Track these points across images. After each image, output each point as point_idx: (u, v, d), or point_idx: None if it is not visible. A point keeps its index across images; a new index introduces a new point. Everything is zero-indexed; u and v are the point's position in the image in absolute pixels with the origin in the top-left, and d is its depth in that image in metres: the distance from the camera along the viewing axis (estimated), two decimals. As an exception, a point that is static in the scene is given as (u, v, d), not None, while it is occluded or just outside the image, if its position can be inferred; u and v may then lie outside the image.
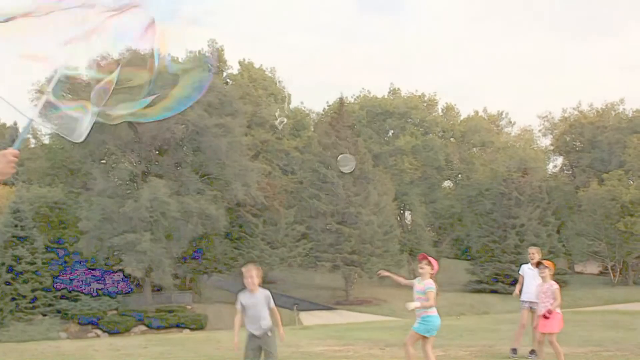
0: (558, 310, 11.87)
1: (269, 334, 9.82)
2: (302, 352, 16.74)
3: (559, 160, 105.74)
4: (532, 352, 13.05)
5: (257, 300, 9.83)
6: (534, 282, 12.85)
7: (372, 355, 15.72)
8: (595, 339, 17.48)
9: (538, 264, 12.41)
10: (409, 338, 10.48)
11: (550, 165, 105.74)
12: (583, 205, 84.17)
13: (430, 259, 10.38)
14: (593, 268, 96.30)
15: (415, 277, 10.96)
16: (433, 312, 10.24)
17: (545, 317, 11.75)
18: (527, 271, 13.67)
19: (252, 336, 9.83)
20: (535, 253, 13.51)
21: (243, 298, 9.92)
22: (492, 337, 18.77)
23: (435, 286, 10.22)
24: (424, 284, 10.23)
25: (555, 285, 12.02)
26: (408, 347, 10.37)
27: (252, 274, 9.85)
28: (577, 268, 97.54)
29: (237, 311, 9.98)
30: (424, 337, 10.29)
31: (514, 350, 13.93)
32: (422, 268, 10.33)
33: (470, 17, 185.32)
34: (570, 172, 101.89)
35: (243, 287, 10.04)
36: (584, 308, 57.11)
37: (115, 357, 18.21)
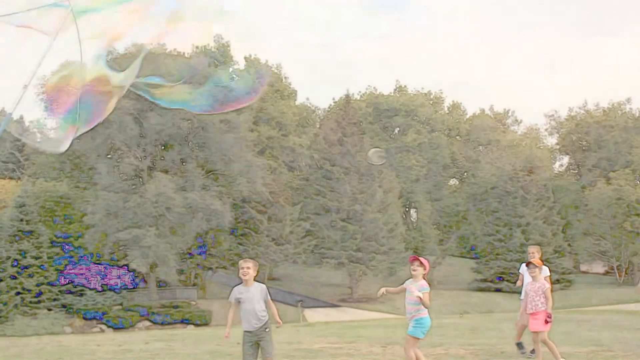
0: (549, 309, 11.92)
1: (267, 330, 9.79)
2: (303, 349, 16.72)
3: (565, 160, 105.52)
4: (532, 351, 13.03)
5: (252, 294, 9.80)
6: None
7: (373, 353, 15.68)
8: (598, 338, 17.41)
9: (528, 264, 12.42)
10: (407, 343, 10.46)
11: (557, 164, 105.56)
12: (589, 204, 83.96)
13: (422, 259, 10.43)
14: (599, 268, 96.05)
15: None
16: (425, 313, 10.31)
17: (546, 321, 11.80)
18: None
19: (247, 333, 9.80)
20: (535, 252, 13.46)
21: (238, 292, 9.89)
22: (494, 336, 18.73)
23: (429, 287, 10.29)
24: (419, 285, 10.27)
25: (547, 285, 12.06)
26: (409, 352, 10.37)
27: (249, 264, 9.85)
28: (583, 267, 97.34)
29: (231, 305, 9.95)
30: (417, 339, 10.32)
31: (520, 345, 13.89)
32: (414, 270, 10.38)
33: (477, 15, 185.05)
34: (576, 171, 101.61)
35: (241, 282, 10.02)
36: (589, 308, 57.01)
37: (117, 352, 18.21)
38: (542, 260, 12.99)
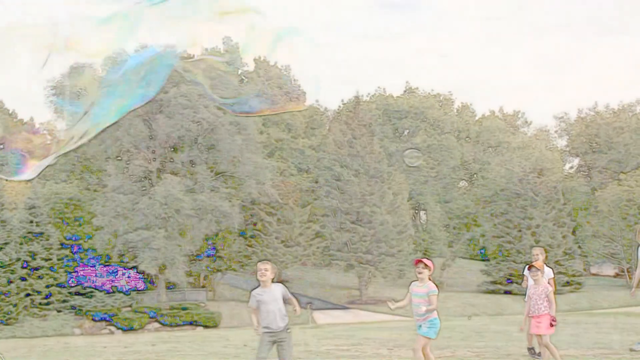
0: (552, 313, 11.85)
1: (288, 330, 9.80)
2: (310, 351, 16.67)
3: (575, 161, 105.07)
4: (539, 354, 12.95)
5: (271, 296, 9.80)
6: None
7: (379, 355, 15.63)
8: (606, 341, 17.28)
9: (530, 267, 12.33)
10: (418, 344, 10.42)
11: (567, 166, 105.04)
12: (599, 206, 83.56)
13: (425, 261, 10.45)
14: (609, 270, 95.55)
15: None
16: (435, 314, 10.41)
17: (551, 325, 11.73)
18: (532, 272, 13.53)
19: (268, 333, 9.78)
20: (539, 254, 13.33)
21: (257, 294, 9.88)
22: (501, 339, 18.63)
23: (437, 290, 10.38)
24: (427, 287, 10.32)
25: (550, 288, 11.98)
26: (418, 352, 10.37)
27: (267, 266, 9.87)
28: (593, 270, 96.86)
29: (252, 309, 9.94)
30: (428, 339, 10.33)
31: (532, 350, 13.80)
32: (420, 273, 10.44)
33: (486, 17, 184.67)
34: (586, 173, 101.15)
35: (257, 285, 10.01)
36: (599, 310, 56.76)
37: (123, 353, 18.22)
38: (546, 263, 12.89)
